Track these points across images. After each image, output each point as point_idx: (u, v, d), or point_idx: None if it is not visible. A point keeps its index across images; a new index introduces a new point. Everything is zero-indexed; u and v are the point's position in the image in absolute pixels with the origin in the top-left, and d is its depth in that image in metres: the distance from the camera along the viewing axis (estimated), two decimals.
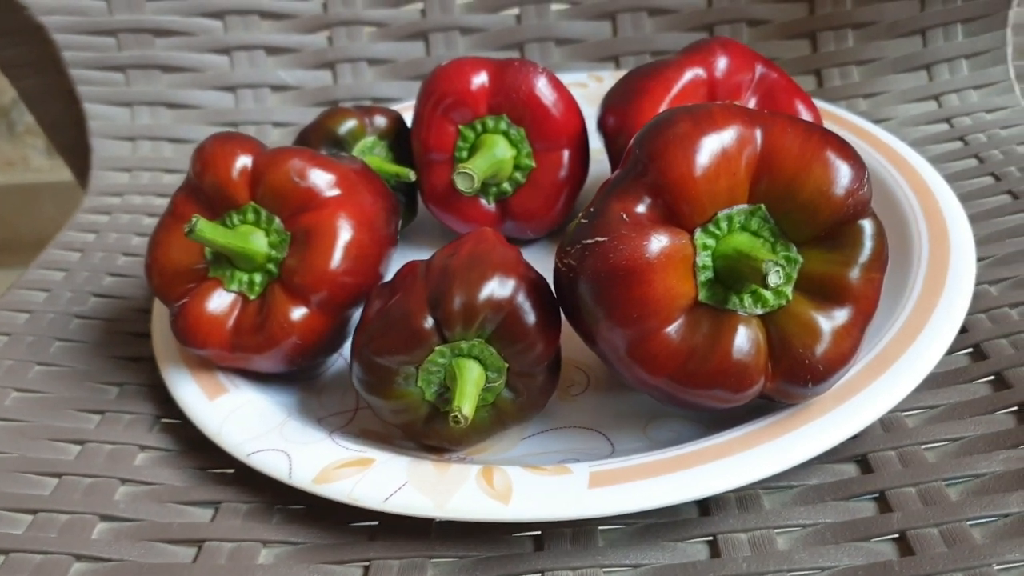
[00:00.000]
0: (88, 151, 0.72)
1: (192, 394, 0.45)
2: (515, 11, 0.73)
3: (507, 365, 0.40)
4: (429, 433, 0.42)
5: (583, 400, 0.46)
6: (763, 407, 0.40)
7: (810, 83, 0.69)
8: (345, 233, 0.44)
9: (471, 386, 0.39)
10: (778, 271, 0.35)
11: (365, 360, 0.40)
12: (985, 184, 0.56)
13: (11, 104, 1.75)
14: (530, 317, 0.40)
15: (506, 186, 0.54)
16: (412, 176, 0.54)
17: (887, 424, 0.42)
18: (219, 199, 0.45)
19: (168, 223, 0.46)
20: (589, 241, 0.38)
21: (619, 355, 0.39)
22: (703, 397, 0.38)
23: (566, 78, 0.69)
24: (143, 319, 0.54)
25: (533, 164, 0.54)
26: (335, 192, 0.45)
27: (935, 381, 0.43)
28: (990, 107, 0.64)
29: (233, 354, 0.45)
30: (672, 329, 0.37)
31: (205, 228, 0.42)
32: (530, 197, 0.54)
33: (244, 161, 0.45)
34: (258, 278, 0.45)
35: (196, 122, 0.72)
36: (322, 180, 0.45)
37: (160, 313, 0.50)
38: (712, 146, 0.37)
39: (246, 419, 0.43)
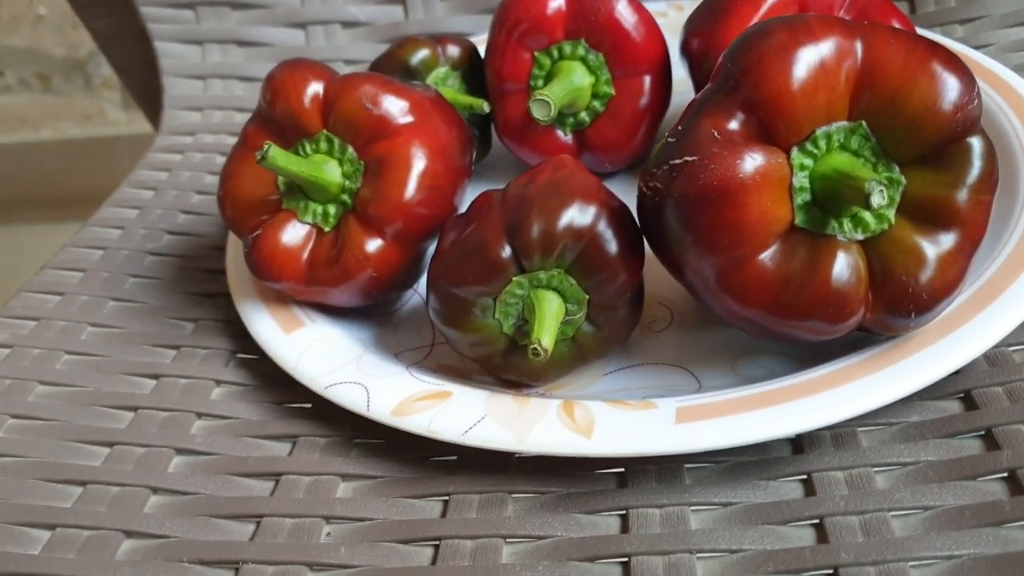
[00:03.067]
0: (160, 92, 0.72)
1: (268, 328, 0.44)
2: None
3: (587, 297, 0.39)
4: (507, 367, 0.40)
5: (667, 336, 0.44)
6: (859, 341, 0.38)
7: (902, 9, 0.65)
8: (419, 162, 0.43)
9: (550, 318, 0.38)
10: (881, 191, 0.33)
11: (441, 291, 0.39)
12: None
13: (87, 57, 1.77)
14: (612, 246, 0.38)
15: (584, 116, 0.52)
16: (486, 107, 0.53)
17: (992, 359, 0.39)
18: (291, 128, 0.44)
19: (240, 154, 0.45)
20: (677, 161, 0.35)
21: (708, 285, 0.36)
22: (799, 329, 0.36)
23: (647, 6, 0.66)
24: (217, 256, 0.54)
25: (612, 92, 0.51)
26: (408, 119, 0.43)
27: None
28: None
29: (309, 287, 0.44)
30: (766, 256, 0.35)
31: (277, 155, 0.41)
32: (609, 127, 0.52)
33: (315, 88, 0.44)
34: (332, 209, 0.44)
35: (266, 59, 0.71)
36: (395, 107, 0.43)
37: (235, 248, 0.50)
38: (810, 58, 0.35)
39: (323, 353, 0.42)
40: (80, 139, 1.90)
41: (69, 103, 1.86)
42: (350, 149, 0.43)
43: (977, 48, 0.60)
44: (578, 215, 0.37)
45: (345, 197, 0.43)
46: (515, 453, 0.38)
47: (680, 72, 0.52)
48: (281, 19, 0.71)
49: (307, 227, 0.44)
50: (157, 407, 0.43)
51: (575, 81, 0.50)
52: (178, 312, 0.49)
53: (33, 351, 0.46)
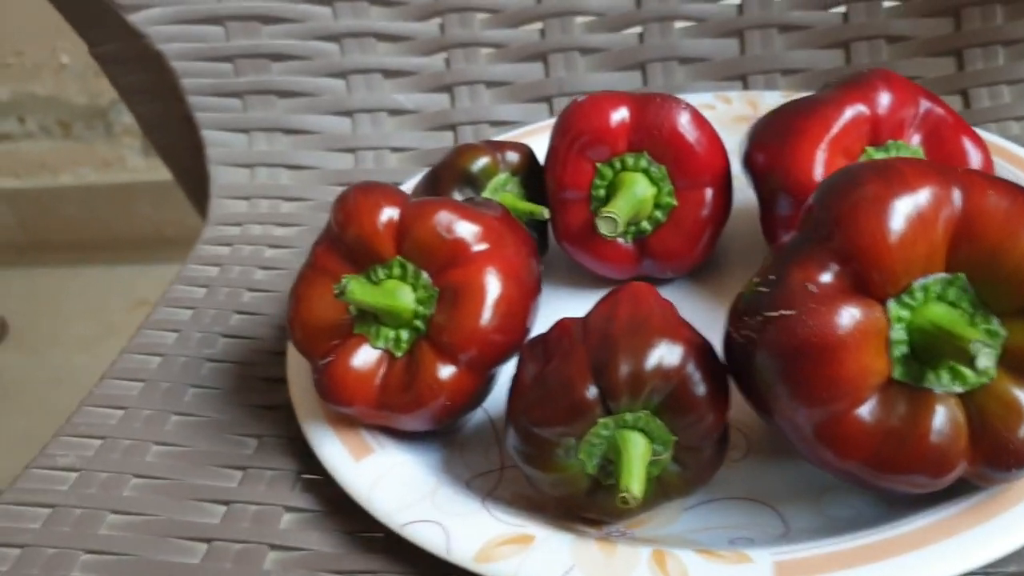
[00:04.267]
0: (205, 177, 0.72)
1: (337, 454, 0.44)
2: (638, 30, 0.70)
3: (675, 438, 0.38)
4: (589, 506, 0.40)
5: (745, 467, 0.43)
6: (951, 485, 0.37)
7: (956, 104, 0.65)
8: (494, 289, 0.42)
9: (638, 463, 0.37)
10: (988, 353, 0.33)
11: (523, 430, 0.39)
12: None
13: (109, 105, 1.78)
14: (700, 388, 0.37)
15: (645, 225, 0.52)
16: (546, 214, 0.52)
17: None
18: (363, 252, 0.43)
19: (310, 277, 0.45)
20: (772, 314, 0.35)
21: (803, 435, 0.36)
22: (899, 482, 0.35)
23: (692, 99, 0.66)
24: (275, 362, 0.53)
25: (675, 203, 0.51)
26: (483, 246, 0.43)
27: None
28: None
29: (379, 412, 0.43)
30: (865, 410, 0.35)
31: (356, 290, 0.40)
32: (671, 236, 0.52)
33: (389, 213, 0.43)
34: (405, 335, 0.43)
35: (313, 147, 0.70)
36: (469, 233, 0.43)
37: (296, 364, 0.49)
38: (906, 209, 0.34)
39: (396, 484, 0.42)
40: (99, 185, 1.90)
41: (89, 149, 1.86)
42: (424, 275, 0.43)
43: (1020, 120, 0.61)
44: (666, 356, 0.37)
45: (418, 323, 0.43)
46: None
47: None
48: (327, 107, 0.71)
49: (379, 352, 0.43)
50: (230, 539, 0.42)
51: (638, 193, 0.50)
52: (241, 428, 0.49)
53: (101, 475, 0.45)
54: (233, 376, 0.53)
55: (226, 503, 0.44)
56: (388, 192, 0.44)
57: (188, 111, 0.69)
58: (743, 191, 0.53)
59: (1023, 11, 0.63)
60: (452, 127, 0.71)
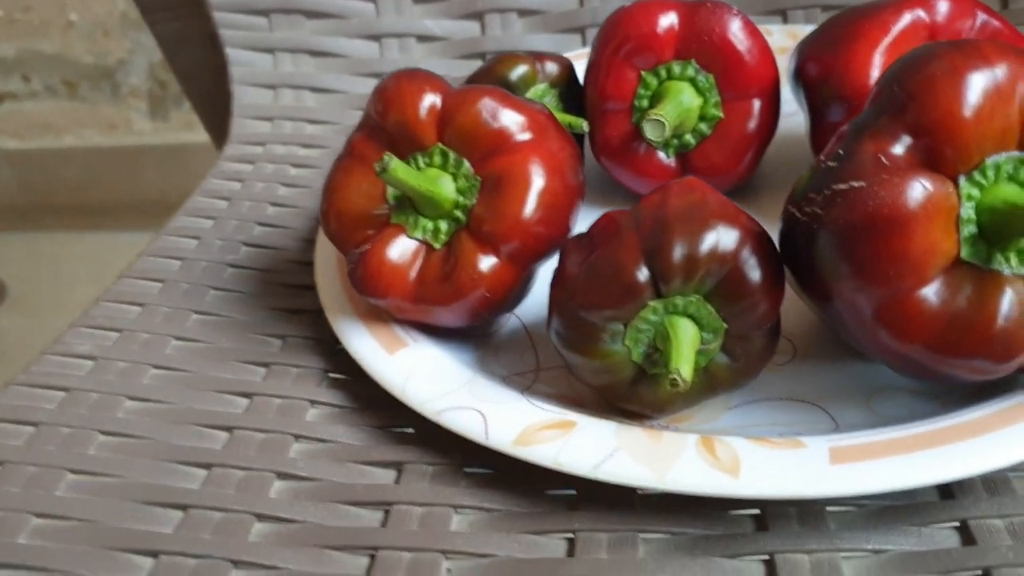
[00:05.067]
0: (224, 100, 0.70)
1: (370, 348, 0.42)
2: None
3: (725, 326, 0.36)
4: (631, 397, 0.38)
5: (791, 370, 0.41)
6: (1002, 380, 0.36)
7: (993, 4, 0.63)
8: (538, 180, 0.41)
9: (688, 346, 0.36)
10: None
11: (569, 315, 0.37)
12: None
13: (116, 66, 1.76)
14: (755, 273, 0.36)
15: (689, 138, 0.50)
16: (585, 127, 0.51)
17: None
18: (404, 140, 0.42)
19: (346, 165, 0.43)
20: (842, 186, 0.33)
21: (862, 318, 0.34)
22: (960, 368, 0.34)
23: None
24: (299, 270, 0.52)
25: (721, 114, 0.49)
26: (527, 136, 0.41)
27: None
28: None
29: (416, 305, 0.41)
30: (930, 290, 0.33)
31: (398, 168, 0.39)
32: (715, 150, 0.50)
33: (432, 99, 0.42)
34: (444, 225, 0.42)
35: (339, 71, 0.69)
36: (514, 122, 0.41)
37: (325, 264, 0.48)
38: (984, 83, 0.33)
39: (431, 375, 0.40)
40: (103, 147, 1.88)
41: (94, 111, 1.84)
42: (466, 163, 0.41)
43: None
44: (723, 239, 0.35)
45: (458, 213, 0.41)
46: (640, 489, 0.36)
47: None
48: (355, 30, 0.69)
49: (416, 243, 0.42)
50: (253, 427, 0.41)
51: (684, 102, 0.49)
52: (264, 328, 0.47)
53: (118, 364, 0.44)
54: (256, 281, 0.51)
55: (248, 395, 0.43)
56: (431, 78, 0.42)
57: (212, 28, 0.67)
58: (785, 115, 0.51)
59: None
60: (482, 55, 0.69)
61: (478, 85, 0.42)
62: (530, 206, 0.40)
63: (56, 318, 1.61)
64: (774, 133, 0.51)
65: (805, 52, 0.49)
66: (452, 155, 0.41)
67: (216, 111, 0.72)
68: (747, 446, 0.35)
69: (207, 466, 0.39)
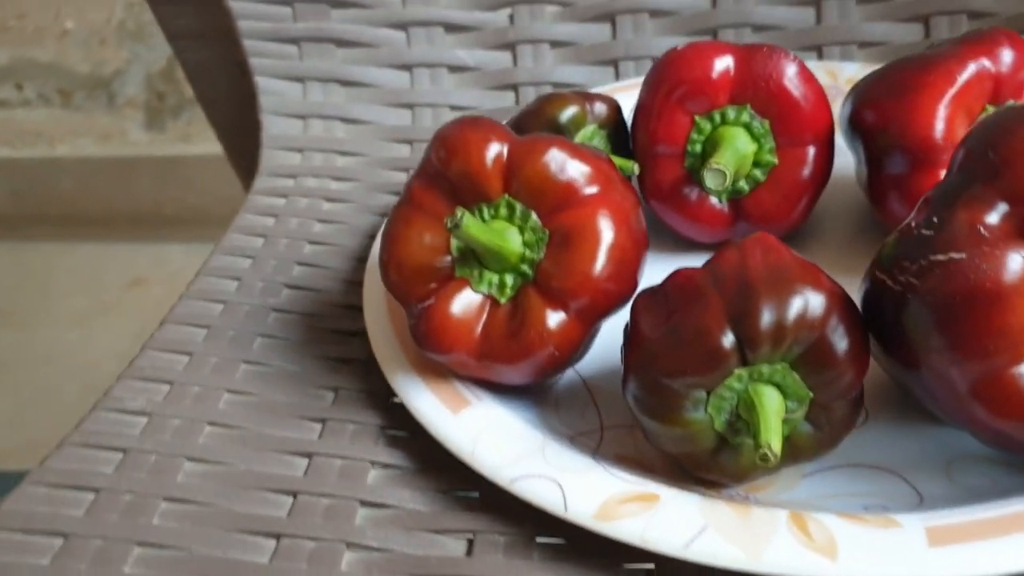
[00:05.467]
0: (249, 130, 0.69)
1: (432, 407, 0.41)
2: None
3: (811, 395, 0.36)
4: (711, 466, 0.37)
5: (864, 434, 0.40)
6: None
7: None
8: (608, 235, 0.40)
9: (776, 418, 0.35)
10: None
11: (649, 381, 0.36)
12: None
13: (112, 75, 1.73)
14: (843, 341, 0.35)
15: (743, 184, 0.49)
16: (636, 169, 0.50)
17: None
18: (468, 190, 0.41)
19: (407, 215, 0.42)
20: (940, 257, 0.33)
21: (956, 391, 0.34)
22: None
23: None
24: (344, 315, 0.50)
25: (776, 161, 0.49)
26: (594, 189, 0.40)
27: None
28: None
29: (480, 362, 0.40)
30: None
31: (471, 225, 0.38)
32: (769, 197, 0.49)
33: (497, 149, 0.40)
34: (509, 280, 0.41)
35: (370, 101, 0.68)
36: (581, 174, 0.40)
37: (377, 313, 0.46)
38: None
39: (501, 438, 0.39)
40: (97, 158, 1.85)
41: (89, 120, 1.81)
42: (533, 216, 0.40)
43: None
44: (811, 304, 0.34)
45: (525, 267, 0.40)
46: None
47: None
48: (386, 60, 0.68)
49: (481, 297, 0.41)
50: (317, 492, 0.39)
51: (741, 148, 0.48)
52: (316, 379, 0.46)
53: (173, 422, 0.42)
54: (302, 327, 0.50)
55: (308, 455, 0.42)
56: (495, 127, 0.41)
57: (242, 56, 0.66)
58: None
59: None
60: (514, 87, 0.68)
61: (542, 135, 0.41)
62: (600, 262, 0.39)
63: (47, 330, 1.59)
64: (828, 179, 0.50)
65: (861, 98, 0.48)
66: (519, 207, 0.40)
67: (240, 140, 0.70)
68: (841, 525, 0.34)
69: (276, 536, 0.37)
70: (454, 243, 0.41)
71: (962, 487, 0.37)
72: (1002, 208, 0.33)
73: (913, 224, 0.35)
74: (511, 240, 0.40)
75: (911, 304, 0.34)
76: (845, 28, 0.66)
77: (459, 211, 0.38)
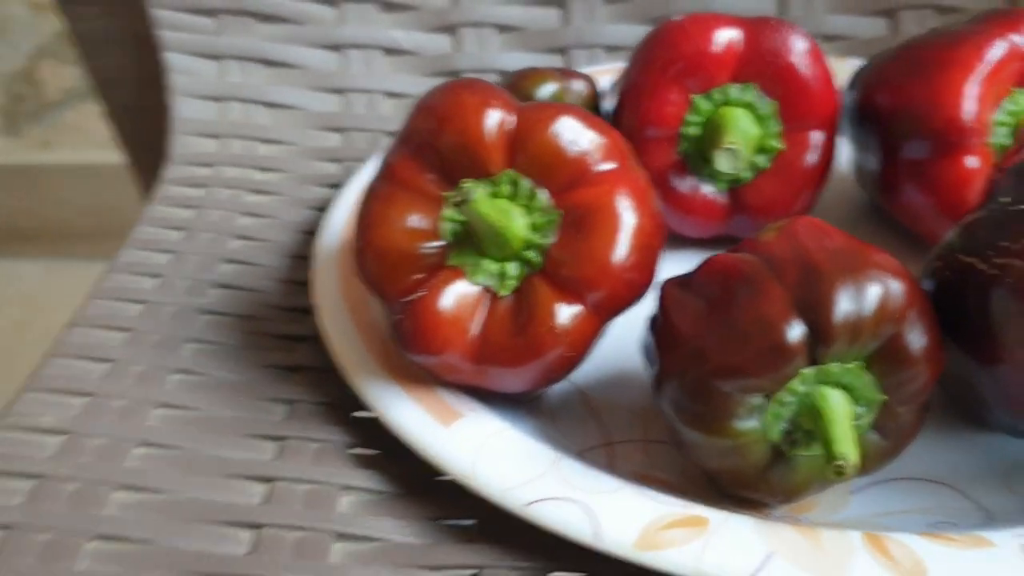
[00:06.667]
0: (152, 113, 0.60)
1: (418, 419, 0.34)
2: None
3: (884, 398, 0.31)
4: (759, 483, 0.32)
5: (914, 445, 0.36)
6: None
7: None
8: (630, 217, 0.34)
9: (847, 425, 0.30)
10: None
11: (696, 384, 0.30)
12: None
13: None
14: (921, 336, 0.30)
15: (744, 171, 0.44)
16: None
17: None
18: (462, 164, 0.34)
19: (387, 193, 0.35)
20: None
21: None
22: None
23: None
24: (285, 318, 0.43)
25: (782, 146, 0.44)
26: (612, 164, 0.35)
27: None
28: None
29: (476, 366, 0.34)
30: None
31: (483, 201, 0.31)
32: (772, 186, 0.44)
33: (499, 116, 0.34)
34: (513, 269, 0.34)
35: (295, 84, 0.60)
36: (597, 147, 0.34)
37: (335, 313, 0.39)
38: None
39: (507, 455, 0.33)
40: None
41: None
42: (541, 194, 0.34)
43: None
44: (892, 292, 0.29)
45: (531, 254, 0.34)
46: None
47: None
48: (314, 39, 0.60)
49: (478, 290, 0.34)
50: (281, 524, 0.32)
51: (748, 130, 0.43)
52: (263, 391, 0.38)
53: (93, 441, 0.34)
54: (238, 331, 0.42)
55: (267, 481, 0.34)
56: (494, 91, 0.35)
57: (146, 29, 0.57)
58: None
59: None
60: (454, 73, 0.62)
61: (551, 102, 0.35)
62: (622, 248, 0.34)
63: None
64: (831, 168, 0.46)
65: (874, 80, 0.44)
66: (525, 184, 0.34)
67: (140, 127, 0.61)
68: (926, 545, 0.29)
69: None
70: (446, 226, 0.34)
71: None
72: None
73: (1002, 201, 0.30)
74: (516, 222, 0.34)
75: (992, 293, 0.29)
76: (810, 19, 0.63)
77: (468, 184, 0.31)
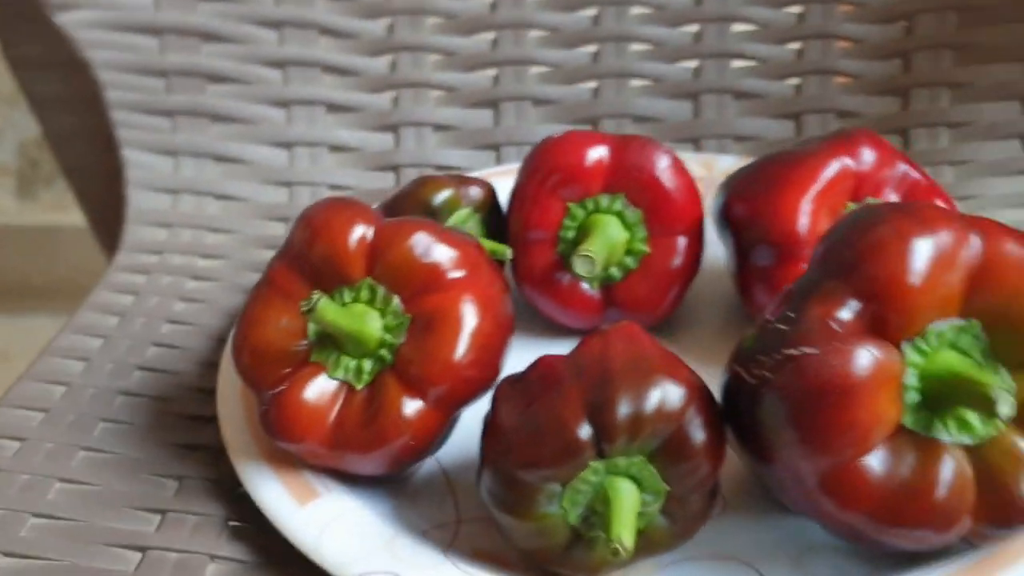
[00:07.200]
0: (117, 203, 0.66)
1: (278, 497, 0.39)
2: (593, 84, 0.68)
3: (667, 488, 0.35)
4: (565, 561, 0.36)
5: (721, 524, 0.40)
6: None
7: (896, 143, 0.65)
8: (471, 320, 0.39)
9: (630, 513, 0.34)
10: (1009, 399, 0.31)
11: (503, 473, 0.35)
12: None
13: None
14: (700, 434, 0.34)
15: (614, 271, 0.49)
16: (509, 254, 0.49)
17: None
18: (329, 273, 0.39)
19: (265, 296, 0.40)
20: (793, 352, 0.33)
21: (805, 485, 0.33)
22: (902, 538, 0.33)
23: None
24: (198, 399, 0.48)
25: (647, 249, 0.49)
26: (460, 273, 0.39)
27: None
28: None
29: (332, 452, 0.38)
30: (873, 458, 0.33)
31: (328, 309, 0.36)
32: (641, 285, 0.49)
33: (362, 231, 0.39)
34: (367, 365, 0.39)
35: (245, 178, 0.66)
36: (447, 258, 0.39)
37: (229, 397, 0.44)
38: (928, 249, 0.33)
39: (348, 533, 0.37)
40: None
41: None
42: (395, 300, 0.39)
43: (962, 200, 0.61)
44: (669, 396, 0.34)
45: (384, 352, 0.39)
46: None
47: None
48: (264, 137, 0.66)
49: (336, 383, 0.39)
50: None
51: (612, 236, 0.48)
52: (160, 467, 0.43)
53: None
54: (151, 412, 0.47)
55: (142, 550, 0.39)
56: (361, 208, 0.40)
57: (109, 127, 0.63)
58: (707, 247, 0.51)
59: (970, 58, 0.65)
60: (395, 168, 0.67)
61: (410, 218, 0.40)
62: (462, 348, 0.38)
63: None
64: (698, 269, 0.50)
65: (732, 192, 0.49)
66: (381, 291, 0.39)
67: (107, 215, 0.67)
68: None
69: None
70: (311, 327, 0.39)
71: None
72: (854, 305, 0.33)
73: (770, 318, 0.35)
74: (369, 324, 0.39)
75: (766, 398, 0.33)
76: (722, 122, 0.68)
77: (315, 294, 0.36)
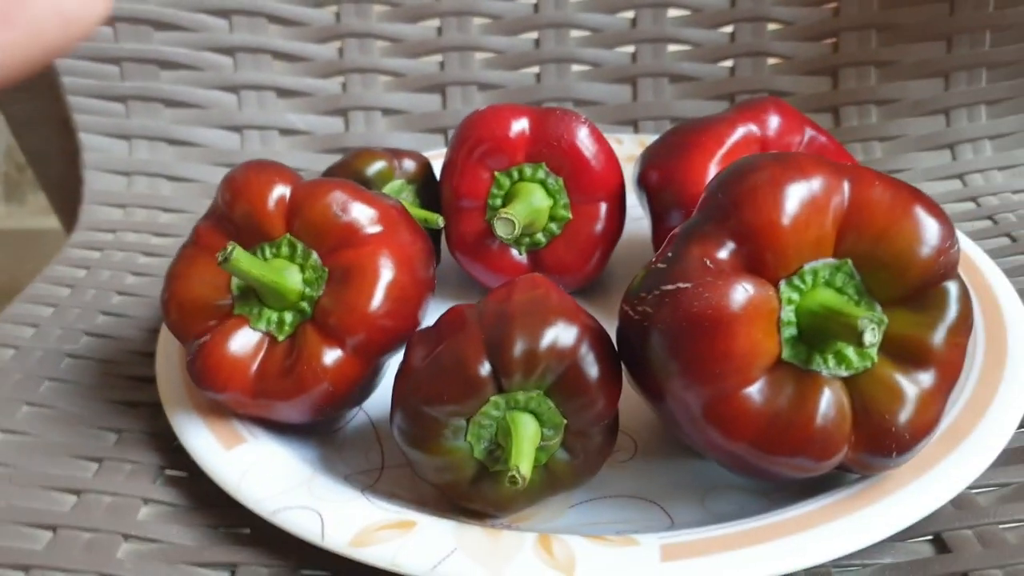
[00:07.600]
0: (77, 185, 0.68)
1: (206, 444, 0.41)
2: (535, 70, 0.71)
3: (565, 422, 0.37)
4: (473, 495, 0.38)
5: (632, 467, 0.42)
6: (826, 479, 0.38)
7: (826, 121, 0.68)
8: (387, 273, 0.41)
9: (528, 442, 0.36)
10: (873, 329, 0.33)
11: (411, 409, 0.37)
12: (1021, 262, 0.55)
13: None
14: (593, 369, 0.37)
15: (540, 237, 0.52)
16: (441, 222, 0.52)
17: (958, 501, 0.39)
18: (251, 230, 0.42)
19: (190, 254, 0.42)
20: (669, 287, 0.35)
21: (692, 416, 0.36)
22: (783, 465, 0.35)
23: None
24: (142, 362, 0.50)
25: (570, 216, 0.51)
26: (377, 229, 0.42)
27: (1002, 458, 0.41)
28: (1016, 188, 0.63)
29: (255, 400, 0.41)
30: (754, 389, 0.35)
31: (241, 258, 0.38)
32: (564, 249, 0.52)
33: (281, 191, 0.42)
34: (288, 317, 0.41)
35: (197, 161, 0.68)
36: (364, 215, 0.42)
37: (166, 355, 0.46)
38: (801, 193, 0.35)
39: (269, 473, 0.39)
40: None
41: None
42: (314, 255, 0.41)
43: (892, 173, 0.64)
44: (562, 335, 0.36)
45: (304, 305, 0.41)
46: None
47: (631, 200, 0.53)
48: (216, 120, 0.69)
49: (259, 335, 0.41)
50: (79, 526, 0.39)
51: (535, 203, 0.50)
52: (100, 421, 0.45)
53: None
54: (95, 372, 0.49)
55: (77, 492, 0.41)
56: (281, 170, 0.43)
57: (66, 112, 0.66)
58: (634, 219, 0.54)
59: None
60: (344, 150, 0.70)
61: (329, 178, 0.43)
62: (377, 299, 0.40)
63: None
64: (620, 235, 0.53)
65: (647, 161, 0.51)
66: (300, 246, 0.41)
67: (69, 197, 0.70)
68: (583, 544, 0.35)
69: (25, 568, 0.36)
70: (234, 282, 0.42)
71: (713, 513, 0.39)
72: (730, 245, 0.35)
73: (655, 259, 0.37)
74: (288, 276, 0.41)
75: (649, 333, 0.36)
76: (659, 104, 0.70)
77: (230, 245, 0.38)
